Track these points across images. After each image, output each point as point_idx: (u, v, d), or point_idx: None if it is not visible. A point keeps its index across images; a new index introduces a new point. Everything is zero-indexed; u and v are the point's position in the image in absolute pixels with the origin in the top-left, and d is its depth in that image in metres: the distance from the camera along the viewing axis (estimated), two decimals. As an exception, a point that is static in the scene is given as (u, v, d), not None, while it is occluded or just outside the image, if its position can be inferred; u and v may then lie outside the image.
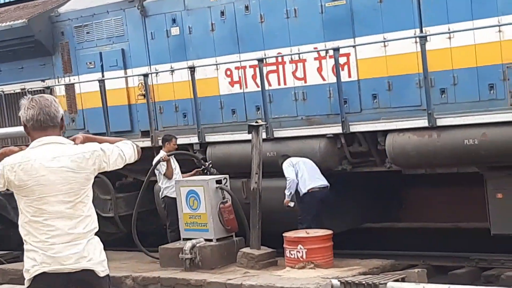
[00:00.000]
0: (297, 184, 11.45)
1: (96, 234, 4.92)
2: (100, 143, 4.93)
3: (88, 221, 4.86)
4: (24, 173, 4.69)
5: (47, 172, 4.69)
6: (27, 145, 4.87)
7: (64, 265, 4.72)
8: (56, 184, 4.70)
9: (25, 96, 4.88)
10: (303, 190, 11.46)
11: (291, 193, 11.48)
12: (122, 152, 4.96)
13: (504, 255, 11.12)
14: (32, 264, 4.73)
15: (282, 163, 11.59)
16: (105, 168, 4.92)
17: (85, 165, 4.78)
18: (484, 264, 11.25)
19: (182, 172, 12.72)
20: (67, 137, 4.91)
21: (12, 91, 15.65)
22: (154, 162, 12.51)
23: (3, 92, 15.75)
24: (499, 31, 10.26)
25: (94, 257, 4.82)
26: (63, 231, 4.72)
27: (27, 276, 4.80)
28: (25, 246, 4.80)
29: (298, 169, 11.49)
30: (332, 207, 11.79)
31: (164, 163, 12.42)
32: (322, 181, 11.52)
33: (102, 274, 4.86)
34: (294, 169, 11.47)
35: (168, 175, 12.44)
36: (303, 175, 11.46)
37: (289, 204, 11.49)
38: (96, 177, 5.03)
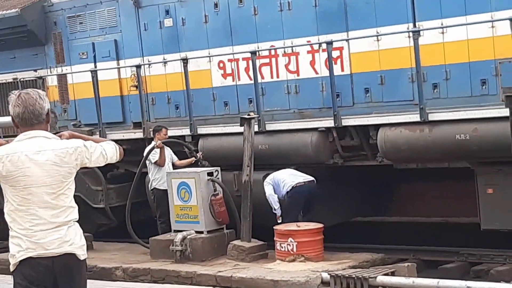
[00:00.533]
0: (281, 192, 11.44)
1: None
2: (85, 140, 5.16)
3: (70, 211, 5.08)
4: (11, 165, 4.94)
5: (32, 164, 4.95)
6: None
7: (48, 250, 5.00)
8: (40, 176, 4.96)
9: (13, 92, 5.11)
10: (287, 188, 11.42)
11: (274, 208, 11.49)
12: (104, 151, 5.23)
13: (494, 250, 11.14)
14: (18, 249, 5.01)
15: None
16: (86, 164, 5.16)
17: (68, 159, 5.02)
18: (473, 259, 11.27)
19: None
20: (55, 133, 5.10)
21: (4, 81, 15.61)
22: (146, 151, 12.51)
23: (-5, 81, 15.72)
24: (492, 26, 10.25)
25: (75, 241, 5.12)
26: (46, 220, 4.99)
27: (13, 261, 5.06)
28: (10, 233, 5.04)
29: (277, 179, 11.51)
30: (321, 200, 11.79)
31: (157, 150, 12.41)
32: (305, 177, 11.52)
33: (82, 258, 5.17)
34: (273, 183, 11.50)
35: (161, 163, 12.42)
36: (283, 178, 11.47)
37: (279, 221, 11.51)
38: (87, 168, 5.18)
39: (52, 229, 5.04)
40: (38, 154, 4.99)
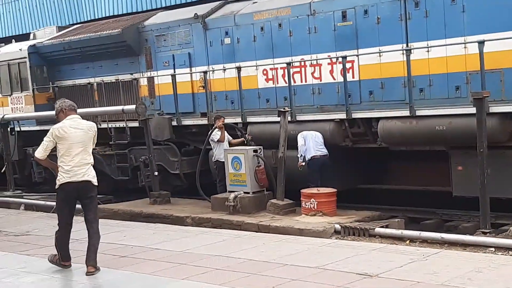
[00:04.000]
0: (305, 150, 11.42)
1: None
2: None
3: (91, 157, 7.20)
4: (62, 131, 7.16)
5: (74, 130, 7.23)
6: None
7: (78, 178, 7.05)
8: (77, 137, 7.13)
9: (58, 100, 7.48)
10: (307, 156, 11.43)
11: (301, 155, 11.45)
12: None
13: (462, 211, 11.05)
14: (64, 176, 7.08)
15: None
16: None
17: (91, 130, 7.29)
18: (446, 218, 11.19)
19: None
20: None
21: (109, 81, 15.73)
22: (209, 133, 12.56)
23: (103, 81, 15.84)
24: (465, 47, 10.08)
25: (91, 174, 7.15)
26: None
27: (58, 183, 7.13)
28: (60, 168, 7.12)
29: (306, 139, 11.48)
30: (333, 171, 11.70)
31: (219, 133, 12.44)
32: (321, 151, 11.45)
33: (95, 184, 7.20)
34: (303, 139, 11.47)
35: (221, 139, 12.44)
36: (308, 145, 11.43)
37: (302, 164, 11.47)
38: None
39: (81, 166, 7.03)
40: (77, 126, 7.11)
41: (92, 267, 7.12)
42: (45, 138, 7.20)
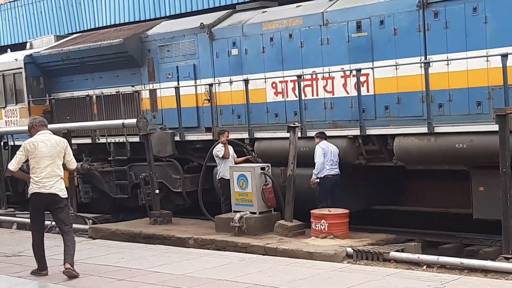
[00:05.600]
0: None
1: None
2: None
3: (60, 169, 8.14)
4: (33, 146, 8.20)
5: (43, 145, 8.25)
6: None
7: (46, 190, 8.00)
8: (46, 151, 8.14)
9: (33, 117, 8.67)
10: (320, 174, 11.41)
11: (316, 171, 11.43)
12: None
13: (483, 235, 10.96)
14: (34, 186, 8.05)
15: (316, 139, 11.54)
16: (65, 156, 8.30)
17: (60, 144, 8.27)
18: (466, 242, 11.11)
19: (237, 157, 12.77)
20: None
21: (109, 93, 15.79)
22: (211, 149, 12.57)
23: (102, 93, 15.90)
24: (487, 60, 10.08)
25: (59, 187, 8.05)
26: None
27: (29, 193, 8.13)
28: (31, 180, 8.09)
29: (327, 154, 11.41)
30: (345, 191, 11.68)
31: (222, 148, 12.45)
32: (334, 171, 11.45)
33: (62, 196, 8.12)
34: (323, 155, 11.40)
35: (226, 156, 12.45)
36: (326, 162, 11.39)
37: (316, 181, 11.45)
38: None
39: (49, 178, 7.95)
40: (47, 141, 8.06)
41: (69, 264, 8.14)
42: (17, 152, 8.32)
